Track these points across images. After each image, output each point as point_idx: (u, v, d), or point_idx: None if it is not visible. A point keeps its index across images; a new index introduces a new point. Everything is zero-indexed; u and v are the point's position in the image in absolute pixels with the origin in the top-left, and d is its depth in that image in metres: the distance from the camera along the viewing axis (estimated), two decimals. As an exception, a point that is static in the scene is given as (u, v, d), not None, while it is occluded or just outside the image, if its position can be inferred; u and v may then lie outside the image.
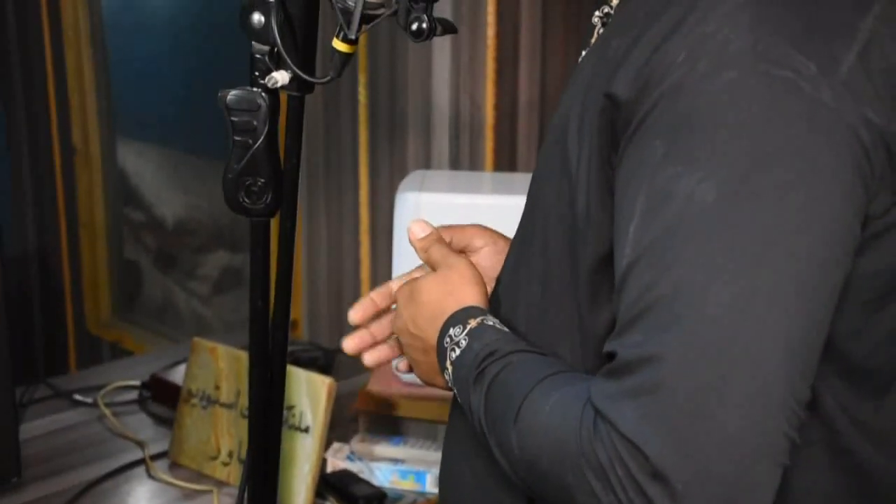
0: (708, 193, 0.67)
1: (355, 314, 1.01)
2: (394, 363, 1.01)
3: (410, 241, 0.98)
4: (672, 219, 0.68)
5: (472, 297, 0.89)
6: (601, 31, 0.87)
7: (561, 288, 0.82)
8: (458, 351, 0.85)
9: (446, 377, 0.87)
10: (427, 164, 2.07)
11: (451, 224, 1.02)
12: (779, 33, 0.67)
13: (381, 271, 2.18)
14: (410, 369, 0.98)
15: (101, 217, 3.15)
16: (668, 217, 0.68)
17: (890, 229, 0.72)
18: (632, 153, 0.71)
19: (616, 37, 0.77)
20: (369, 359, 1.02)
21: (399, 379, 1.74)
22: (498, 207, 1.65)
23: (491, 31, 1.95)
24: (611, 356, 0.71)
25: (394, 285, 1.02)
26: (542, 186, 0.85)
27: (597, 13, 0.87)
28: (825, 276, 0.69)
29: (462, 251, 1.01)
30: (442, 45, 1.98)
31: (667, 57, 0.69)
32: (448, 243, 0.99)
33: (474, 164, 2.02)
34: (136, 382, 1.93)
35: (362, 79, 2.13)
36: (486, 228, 1.03)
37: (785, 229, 0.67)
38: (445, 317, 0.88)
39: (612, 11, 0.86)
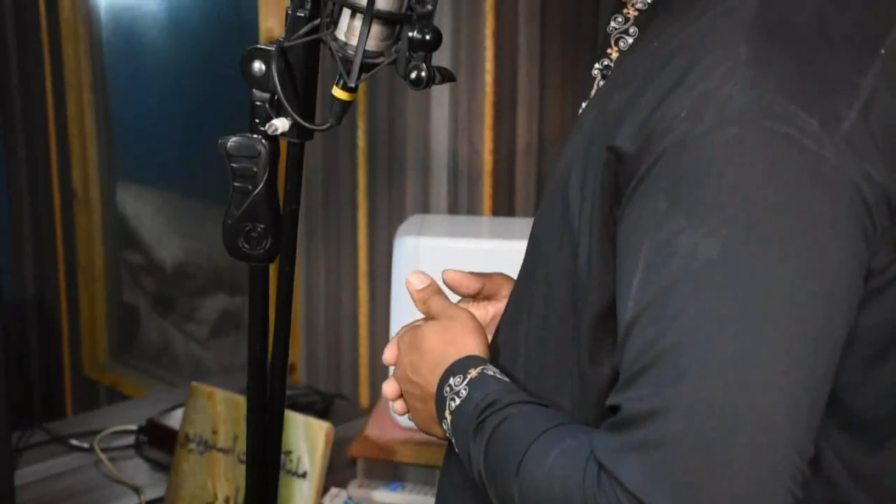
0: (711, 249, 0.67)
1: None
2: (391, 405, 1.01)
3: (409, 293, 0.98)
4: (675, 274, 0.68)
5: (473, 347, 0.89)
6: (601, 83, 0.87)
7: (561, 339, 0.82)
8: (457, 401, 0.85)
9: (444, 427, 0.87)
10: (425, 208, 2.08)
11: (476, 271, 1.02)
12: (781, 90, 0.68)
13: (380, 315, 2.18)
14: (406, 411, 0.98)
15: (100, 260, 3.16)
16: (671, 272, 0.68)
17: (891, 284, 0.73)
18: (635, 207, 0.72)
19: (617, 90, 0.77)
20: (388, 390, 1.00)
21: (397, 424, 1.74)
22: (496, 252, 1.65)
23: (489, 78, 1.97)
24: (614, 409, 0.71)
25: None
26: (543, 238, 0.85)
27: (596, 65, 0.88)
28: (828, 331, 0.69)
29: (487, 298, 1.01)
30: (440, 91, 1.99)
31: (669, 112, 0.70)
32: (480, 290, 0.99)
33: (472, 209, 2.03)
34: (133, 427, 1.92)
35: (361, 124, 2.15)
36: (510, 278, 1.03)
37: (788, 284, 0.67)
38: (446, 366, 0.87)
39: (611, 64, 0.86)
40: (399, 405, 0.98)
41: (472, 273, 1.01)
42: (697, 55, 0.71)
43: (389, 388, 0.97)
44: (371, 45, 0.87)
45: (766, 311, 0.67)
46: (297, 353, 2.39)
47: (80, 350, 3.18)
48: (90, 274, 3.14)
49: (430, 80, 0.87)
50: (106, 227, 3.15)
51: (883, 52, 0.72)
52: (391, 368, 1.00)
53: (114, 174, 3.15)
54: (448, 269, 1.00)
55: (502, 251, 1.63)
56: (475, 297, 1.01)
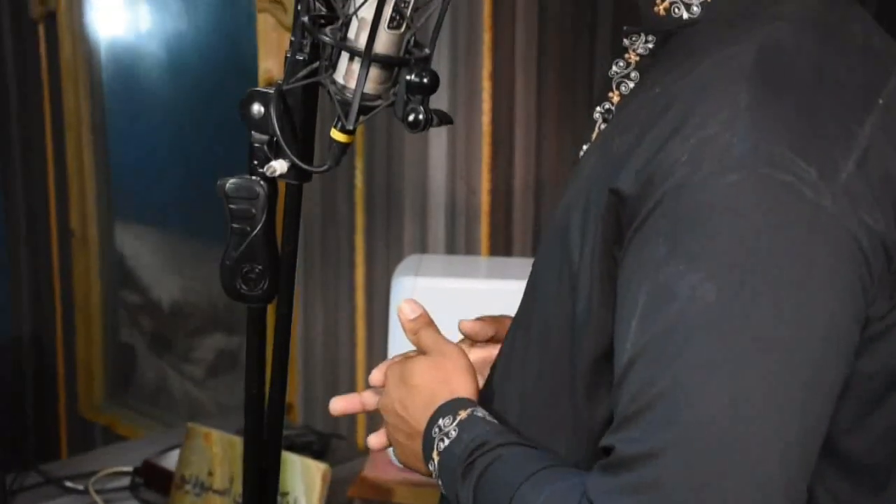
0: (709, 293, 0.67)
1: (337, 405, 1.02)
2: (369, 439, 1.01)
3: (400, 322, 0.98)
4: (673, 317, 0.68)
5: (464, 388, 0.89)
6: (602, 126, 0.88)
7: (558, 380, 0.82)
8: (446, 441, 0.84)
9: (431, 468, 0.86)
10: (423, 248, 2.08)
11: (493, 314, 1.02)
12: (780, 139, 0.69)
13: (377, 356, 2.18)
14: (384, 446, 0.98)
15: (97, 300, 3.15)
16: (669, 315, 0.68)
17: (887, 332, 0.73)
18: (635, 249, 0.72)
19: (619, 135, 0.78)
20: (336, 406, 1.02)
21: (395, 465, 1.72)
22: (494, 292, 1.66)
23: (486, 119, 1.98)
24: (607, 451, 0.71)
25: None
26: (542, 278, 0.85)
27: (598, 109, 0.88)
28: (823, 378, 0.69)
29: (497, 341, 1.01)
30: (438, 131, 2.01)
31: (670, 156, 0.70)
32: (494, 335, 0.99)
33: (470, 249, 2.03)
34: (129, 468, 1.91)
35: (359, 164, 2.16)
36: None
37: (784, 331, 0.67)
38: (436, 405, 0.87)
39: (613, 108, 0.87)
40: (377, 439, 0.98)
41: (485, 319, 1.01)
42: (697, 102, 0.71)
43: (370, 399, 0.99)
44: (369, 88, 0.88)
45: (761, 358, 0.67)
46: (294, 393, 2.38)
47: (75, 390, 3.17)
48: (87, 313, 3.14)
49: (428, 123, 0.87)
50: (103, 266, 3.15)
51: (881, 101, 0.73)
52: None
53: (112, 213, 3.16)
54: (463, 320, 1.00)
55: (500, 291, 1.64)
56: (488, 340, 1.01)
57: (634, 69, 0.86)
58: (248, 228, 0.95)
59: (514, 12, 1.98)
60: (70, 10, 2.97)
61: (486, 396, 0.91)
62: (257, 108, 0.93)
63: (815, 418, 0.69)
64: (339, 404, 1.02)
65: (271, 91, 0.92)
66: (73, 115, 3.02)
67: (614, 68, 0.87)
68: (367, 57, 0.86)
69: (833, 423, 0.71)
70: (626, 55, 0.87)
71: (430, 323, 0.97)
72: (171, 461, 1.80)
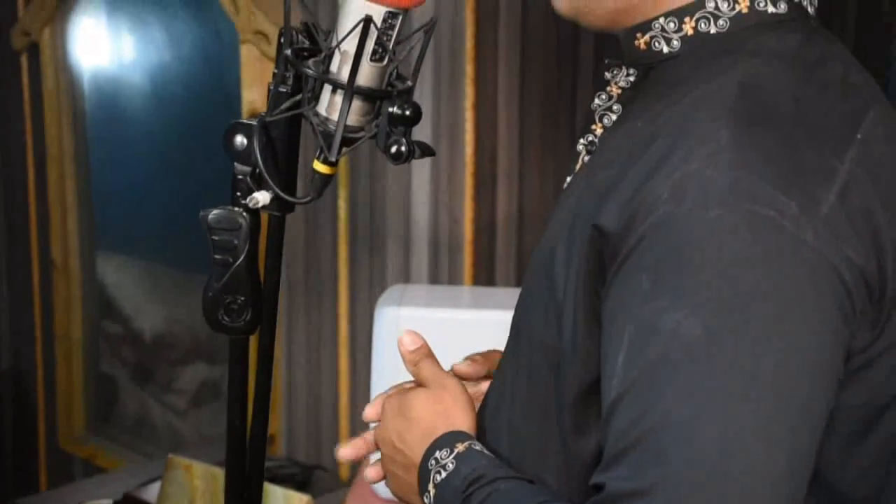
0: (693, 328, 0.67)
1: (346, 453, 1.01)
2: (366, 472, 1.00)
3: (400, 353, 0.97)
4: (658, 353, 0.68)
5: (462, 421, 0.89)
6: (586, 158, 0.88)
7: (546, 413, 0.82)
8: (443, 474, 0.84)
9: (426, 500, 0.86)
10: (406, 278, 2.08)
11: (482, 351, 1.02)
12: (761, 173, 0.69)
13: (360, 387, 2.17)
14: (381, 478, 0.97)
15: (78, 331, 3.13)
16: (654, 351, 0.68)
17: (871, 364, 0.73)
18: (619, 285, 0.72)
19: (602, 168, 0.78)
20: (346, 453, 1.00)
21: (378, 496, 1.71)
22: (477, 322, 1.65)
23: (469, 150, 1.99)
24: (598, 488, 0.71)
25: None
26: (528, 312, 0.85)
27: (581, 141, 0.89)
28: (810, 410, 0.69)
29: (487, 377, 1.00)
30: (421, 162, 2.02)
31: (653, 192, 0.71)
32: (487, 373, 0.99)
33: (453, 279, 2.04)
34: (109, 501, 1.89)
35: (342, 193, 2.16)
36: None
37: (769, 364, 0.67)
38: (434, 438, 0.87)
39: (596, 140, 0.88)
40: (373, 471, 0.97)
41: (475, 359, 1.01)
42: (679, 137, 0.72)
43: (361, 443, 0.98)
44: (352, 120, 0.89)
45: (747, 392, 0.67)
46: (276, 423, 2.37)
47: (55, 422, 3.14)
48: (68, 344, 3.11)
49: (410, 155, 0.87)
50: (85, 296, 3.14)
51: (859, 136, 0.74)
52: (371, 424, 0.99)
53: (94, 243, 3.14)
54: (456, 364, 0.99)
55: (484, 321, 1.63)
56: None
57: (617, 102, 0.87)
58: (231, 259, 0.95)
59: (497, 44, 2.00)
60: (53, 41, 2.97)
61: (478, 430, 0.91)
62: (240, 140, 0.93)
63: (804, 451, 0.69)
64: (348, 452, 1.00)
65: (254, 123, 0.93)
66: (56, 145, 3.02)
67: (597, 101, 0.88)
68: (350, 89, 0.86)
69: (820, 457, 0.72)
70: (609, 88, 0.87)
71: (430, 354, 0.96)
72: (151, 493, 1.79)
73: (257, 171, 0.93)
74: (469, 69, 1.98)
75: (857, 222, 0.70)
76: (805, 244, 0.68)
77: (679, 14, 0.80)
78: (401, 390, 0.96)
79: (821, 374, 0.69)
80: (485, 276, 2.05)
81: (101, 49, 3.01)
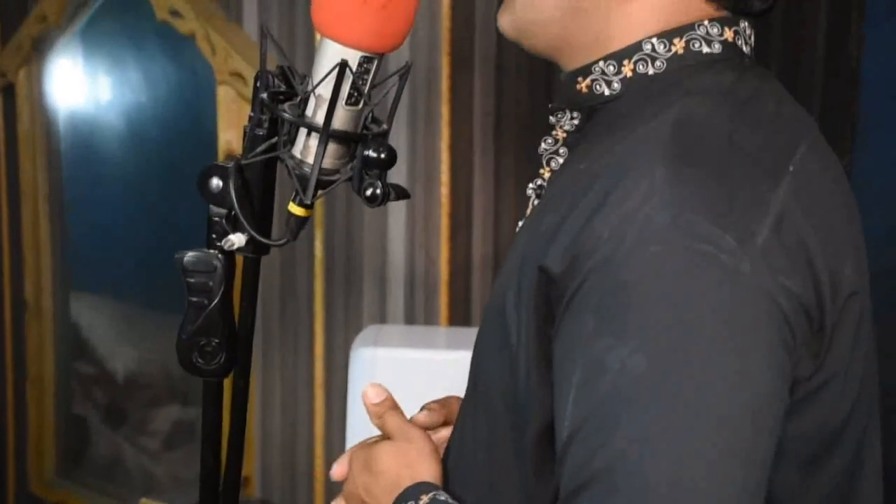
0: (639, 365, 0.68)
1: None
2: None
3: (365, 406, 0.97)
4: (607, 391, 0.69)
5: (427, 472, 0.89)
6: (535, 202, 0.90)
7: (507, 457, 0.82)
8: None
9: None
10: (382, 318, 2.08)
11: (438, 399, 1.02)
12: (697, 209, 0.70)
13: (335, 427, 2.16)
14: None
15: (50, 372, 3.09)
16: (602, 390, 0.69)
17: (815, 393, 0.74)
18: (566, 326, 0.73)
19: (548, 211, 0.80)
20: (337, 471, 0.99)
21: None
22: (453, 362, 1.65)
23: (445, 190, 2.00)
24: None
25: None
26: (484, 358, 0.86)
27: (531, 185, 0.91)
28: (758, 441, 0.69)
29: (446, 424, 1.00)
30: (398, 202, 2.02)
31: (594, 232, 0.72)
32: (445, 420, 0.99)
33: (429, 319, 2.04)
34: (80, 546, 1.86)
35: (318, 233, 2.16)
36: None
37: (713, 398, 0.68)
38: (400, 490, 0.87)
39: (544, 184, 0.89)
40: None
41: (431, 408, 1.01)
42: (618, 178, 0.73)
43: None
44: (327, 163, 0.89)
45: (695, 424, 0.67)
46: (251, 464, 2.35)
47: (25, 465, 3.09)
48: (39, 385, 3.08)
49: (385, 198, 0.88)
50: (57, 337, 3.10)
51: (791, 168, 0.75)
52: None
53: (68, 284, 3.12)
54: (414, 415, 0.99)
55: (460, 361, 1.62)
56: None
57: (563, 145, 0.88)
58: (206, 302, 0.95)
59: (472, 86, 2.02)
60: (29, 82, 2.97)
61: (444, 478, 0.90)
62: (216, 183, 0.93)
63: (754, 483, 0.69)
64: (339, 469, 0.98)
65: (230, 165, 0.93)
66: (30, 185, 3.00)
67: (543, 145, 0.90)
68: (325, 133, 0.87)
69: (774, 489, 0.72)
70: (554, 132, 0.89)
71: (395, 407, 0.96)
72: (123, 538, 1.76)
73: (233, 213, 0.93)
74: (444, 111, 1.99)
75: (792, 253, 0.72)
76: (743, 276, 0.69)
77: (618, 57, 0.82)
78: (366, 445, 0.96)
79: (766, 405, 0.70)
80: (461, 316, 2.05)
81: (77, 89, 3.01)
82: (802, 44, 1.82)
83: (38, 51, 2.93)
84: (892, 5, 1.90)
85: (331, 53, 0.85)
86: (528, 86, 2.01)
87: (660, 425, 0.67)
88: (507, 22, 0.87)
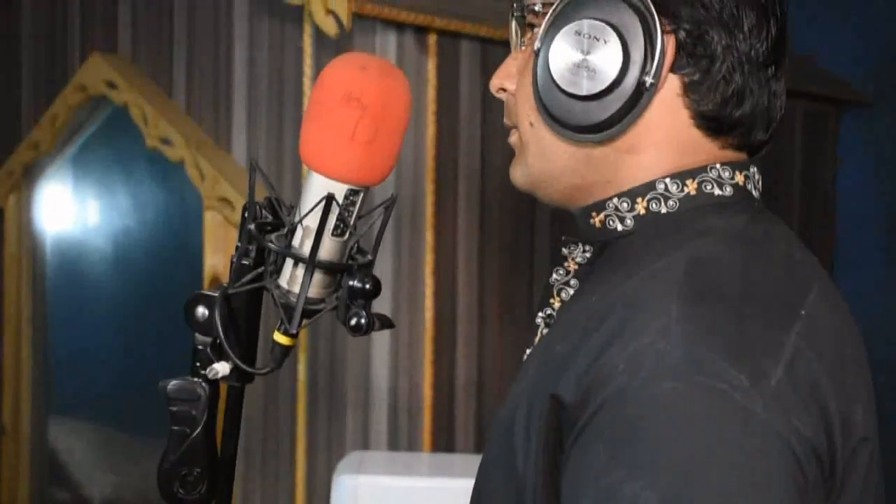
0: (650, 499, 0.68)
1: None
2: None
3: None
4: None
5: None
6: (544, 331, 0.90)
7: None
8: None
9: None
10: (365, 443, 2.06)
11: None
12: (711, 347, 0.71)
13: (317, 557, 2.11)
14: None
15: (25, 498, 3.02)
16: None
17: None
18: (577, 456, 0.73)
19: (559, 341, 0.80)
20: None
21: None
22: (438, 490, 1.63)
23: (429, 315, 2.01)
24: None
25: None
26: (489, 481, 0.85)
27: (540, 314, 0.91)
28: None
29: None
30: (381, 327, 2.03)
31: (608, 364, 0.72)
32: None
33: (412, 445, 2.02)
34: None
35: (302, 357, 2.16)
36: None
37: None
38: None
39: (554, 314, 0.90)
40: None
41: None
42: (633, 311, 0.74)
43: None
44: (313, 292, 0.90)
45: None
46: None
47: None
48: (13, 513, 3.00)
49: (370, 328, 0.89)
50: (34, 463, 3.04)
51: (803, 312, 0.76)
52: None
53: (47, 408, 3.08)
54: None
55: (443, 489, 1.61)
56: None
57: (574, 277, 0.90)
58: (188, 431, 0.94)
59: (456, 213, 2.05)
60: (18, 206, 3.00)
61: None
62: (202, 311, 0.94)
63: None
64: None
65: (216, 294, 0.93)
66: (14, 307, 3.00)
67: (555, 276, 0.91)
68: (312, 264, 0.88)
69: None
70: (566, 263, 0.90)
71: None
72: None
73: (218, 341, 0.93)
74: (429, 237, 2.02)
75: (804, 395, 0.72)
76: (755, 415, 0.69)
77: (631, 195, 0.84)
78: None
79: None
80: (444, 441, 2.03)
81: (66, 214, 3.04)
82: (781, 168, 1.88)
83: (29, 177, 2.97)
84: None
85: (318, 186, 0.87)
86: (511, 213, 2.04)
87: None
88: (520, 175, 0.90)
